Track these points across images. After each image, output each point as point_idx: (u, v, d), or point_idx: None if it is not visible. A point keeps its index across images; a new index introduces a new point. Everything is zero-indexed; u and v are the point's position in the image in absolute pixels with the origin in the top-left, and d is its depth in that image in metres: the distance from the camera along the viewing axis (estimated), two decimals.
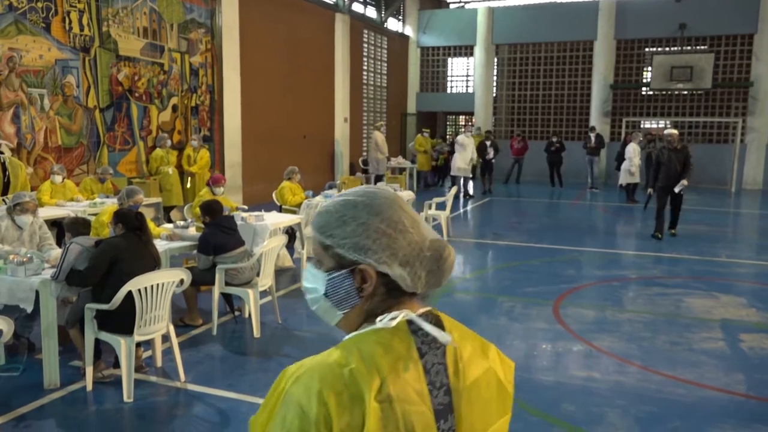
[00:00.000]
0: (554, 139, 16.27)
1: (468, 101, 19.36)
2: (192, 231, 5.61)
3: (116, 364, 4.20)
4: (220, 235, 4.95)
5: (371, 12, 17.58)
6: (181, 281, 4.04)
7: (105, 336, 3.87)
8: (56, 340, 3.96)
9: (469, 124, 20.71)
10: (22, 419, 3.51)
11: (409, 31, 19.65)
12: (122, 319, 3.79)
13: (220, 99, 11.47)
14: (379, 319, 1.00)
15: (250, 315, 5.35)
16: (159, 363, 4.33)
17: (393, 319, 0.99)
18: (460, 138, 13.63)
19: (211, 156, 10.86)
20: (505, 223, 11.55)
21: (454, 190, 10.08)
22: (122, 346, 3.79)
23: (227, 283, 4.98)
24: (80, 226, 4.22)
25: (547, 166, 16.52)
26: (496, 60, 19.17)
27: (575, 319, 5.52)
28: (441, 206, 9.35)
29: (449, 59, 20.51)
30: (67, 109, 8.44)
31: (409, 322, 1.01)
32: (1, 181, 5.18)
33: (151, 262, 4.05)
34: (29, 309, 3.93)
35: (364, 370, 0.93)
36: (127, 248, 3.95)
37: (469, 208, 12.84)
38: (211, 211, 5.03)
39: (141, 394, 3.90)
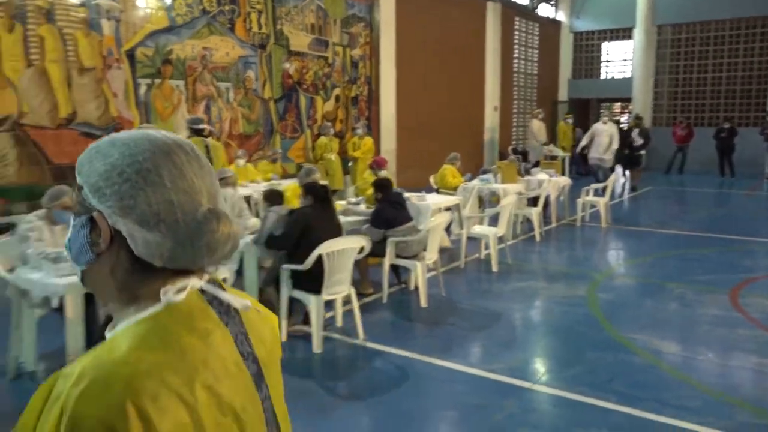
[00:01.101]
0: (726, 125, 14.97)
1: (624, 87, 18.38)
2: (362, 207, 6.04)
3: (304, 322, 4.70)
4: (391, 210, 5.31)
5: None
6: (362, 248, 4.41)
7: (298, 294, 4.36)
8: (257, 295, 4.53)
9: (626, 111, 19.67)
10: None
11: (561, 16, 19.07)
12: (313, 280, 4.24)
13: (377, 89, 12.02)
14: (163, 291, 0.81)
15: (415, 287, 5.69)
16: (339, 323, 4.77)
17: (181, 291, 0.82)
18: (596, 125, 12.82)
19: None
20: (668, 212, 10.91)
21: (613, 177, 9.73)
22: (313, 302, 4.25)
23: (397, 255, 5.32)
24: (276, 196, 4.77)
25: (716, 154, 15.25)
26: (657, 42, 17.99)
27: (757, 309, 5.18)
28: (600, 193, 9.09)
29: (604, 43, 19.59)
30: (248, 100, 9.37)
31: (202, 292, 0.85)
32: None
33: (336, 229, 4.48)
34: (234, 267, 4.52)
35: (176, 359, 0.77)
36: (316, 217, 4.41)
37: (628, 197, 12.28)
38: (384, 187, 5.40)
39: (327, 348, 4.34)
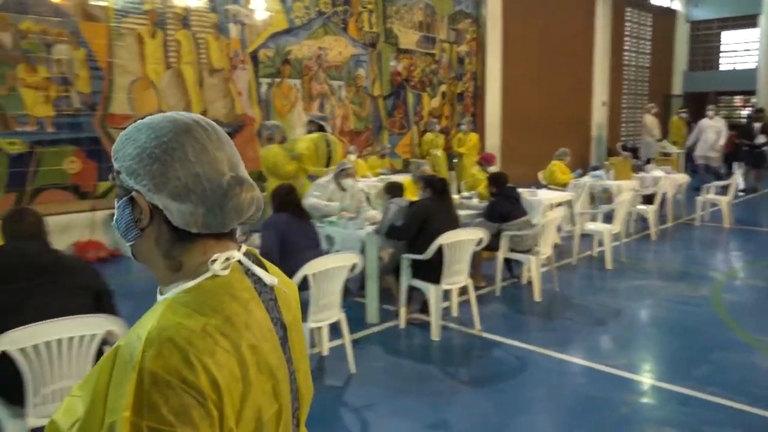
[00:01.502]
0: None
1: (747, 79, 17.15)
2: (475, 201, 6.13)
3: (421, 311, 4.87)
4: (506, 204, 5.36)
5: None
6: (480, 240, 4.51)
7: (417, 283, 4.53)
8: (377, 283, 4.75)
9: (748, 105, 18.36)
10: (355, 343, 4.30)
11: (677, 5, 18.08)
12: (432, 269, 4.39)
13: (483, 85, 12.00)
14: (210, 261, 0.92)
15: (527, 282, 5.71)
16: (455, 312, 4.90)
17: (226, 265, 0.93)
18: (702, 121, 11.91)
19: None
20: None
21: (736, 176, 9.19)
22: (432, 291, 4.40)
23: (510, 249, 5.37)
24: (396, 189, 4.97)
25: None
26: None
27: None
28: (721, 191, 8.62)
29: (724, 32, 18.38)
30: (358, 98, 9.70)
31: (239, 263, 0.97)
32: (325, 155, 6.26)
33: (454, 221, 4.61)
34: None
35: (223, 323, 0.88)
36: (435, 209, 4.55)
37: (747, 197, 11.51)
38: (499, 182, 5.46)
39: (444, 336, 4.48)
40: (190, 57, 7.56)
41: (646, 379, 3.78)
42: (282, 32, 8.48)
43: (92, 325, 2.45)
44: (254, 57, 8.24)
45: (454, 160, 10.52)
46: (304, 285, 3.51)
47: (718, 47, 18.57)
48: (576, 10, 14.27)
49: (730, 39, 18.57)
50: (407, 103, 10.57)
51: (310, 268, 3.46)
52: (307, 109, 8.91)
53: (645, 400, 3.52)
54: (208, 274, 0.91)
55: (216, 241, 0.95)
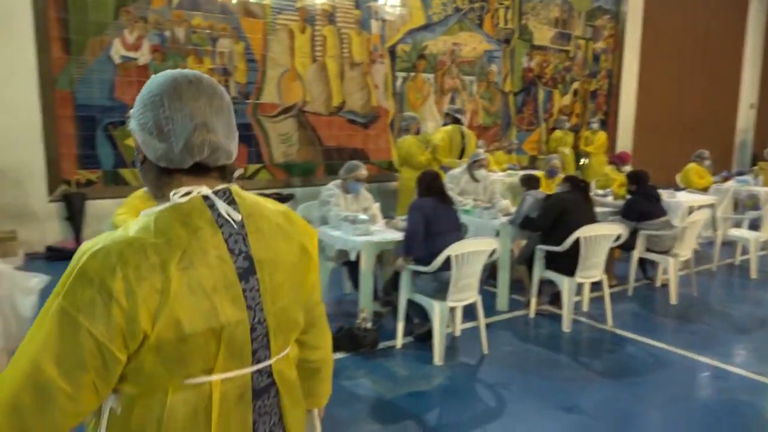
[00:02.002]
0: None
1: None
2: (609, 199, 6.05)
3: (550, 303, 4.93)
4: (645, 203, 5.26)
5: None
6: (618, 236, 4.50)
7: (550, 274, 4.60)
8: (509, 273, 4.87)
9: None
10: (486, 327, 4.45)
11: None
12: (567, 262, 4.44)
13: (618, 84, 11.61)
14: (172, 193, 1.09)
15: (662, 284, 5.56)
16: (585, 307, 4.91)
17: (186, 194, 1.09)
18: None
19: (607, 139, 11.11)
20: None
21: None
22: (565, 284, 4.46)
23: (647, 249, 5.27)
24: (533, 181, 5.05)
25: None
26: None
27: None
28: None
29: None
30: (489, 93, 9.78)
31: (206, 198, 1.11)
32: (459, 147, 6.45)
33: (592, 216, 4.62)
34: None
35: (163, 243, 1.03)
36: (573, 202, 4.59)
37: None
38: (640, 180, 5.37)
39: (575, 329, 4.52)
40: (333, 51, 8.04)
41: None
42: (419, 28, 8.76)
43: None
44: (392, 51, 8.58)
45: (583, 160, 10.28)
46: (445, 266, 3.73)
47: None
48: (725, 8, 13.34)
49: None
50: (537, 100, 10.49)
51: (453, 250, 3.67)
52: (438, 103, 9.14)
53: None
54: (168, 203, 1.09)
55: (191, 178, 1.12)
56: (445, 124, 6.70)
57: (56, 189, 6.42)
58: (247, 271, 1.12)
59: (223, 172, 1.16)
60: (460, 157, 6.48)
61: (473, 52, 9.43)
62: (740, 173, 8.59)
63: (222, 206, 1.11)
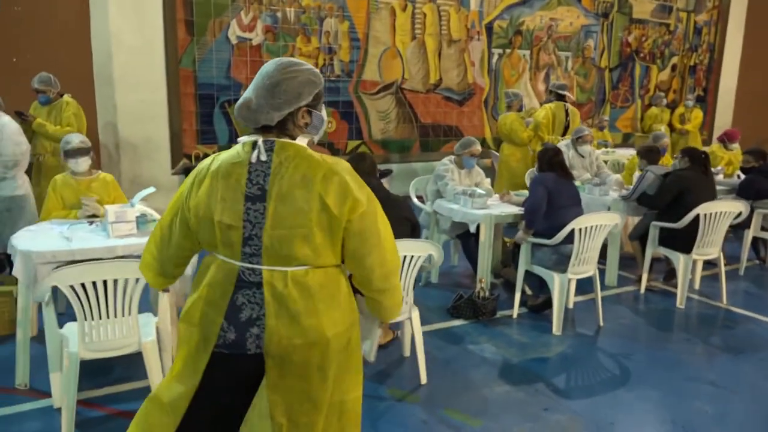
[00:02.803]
0: None
1: None
2: (720, 177, 5.94)
3: (664, 280, 4.96)
4: (763, 180, 5.16)
5: None
6: (739, 214, 4.47)
7: (663, 250, 4.63)
8: (618, 249, 4.92)
9: None
10: (577, 304, 4.52)
11: None
12: (684, 239, 4.46)
13: (720, 59, 11.13)
14: (238, 139, 1.69)
15: None
16: (697, 285, 4.91)
17: (245, 140, 1.67)
18: None
19: (703, 116, 10.72)
20: None
21: None
22: (681, 261, 4.48)
23: (763, 228, 5.18)
24: (653, 154, 5.01)
25: None
26: None
27: None
28: None
29: None
30: (584, 69, 9.64)
31: (255, 143, 1.64)
32: (563, 124, 6.48)
33: (712, 193, 4.59)
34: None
35: (215, 165, 1.67)
36: (693, 179, 4.57)
37: None
38: (761, 156, 5.26)
39: (688, 305, 4.55)
40: (432, 29, 8.16)
41: None
42: (517, 3, 8.72)
43: (422, 249, 3.04)
44: (489, 28, 8.60)
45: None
46: (567, 239, 3.86)
47: None
48: None
49: None
50: (634, 76, 10.23)
51: (578, 223, 3.79)
52: (533, 80, 9.10)
53: None
54: (237, 145, 1.70)
55: (255, 132, 1.68)
56: (548, 101, 6.73)
57: (178, 162, 6.92)
58: (256, 197, 1.60)
59: (282, 129, 1.66)
60: (564, 134, 6.51)
61: (570, 27, 9.29)
62: None
63: (258, 149, 1.62)
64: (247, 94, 1.64)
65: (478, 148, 4.80)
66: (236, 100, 6.92)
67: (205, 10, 6.67)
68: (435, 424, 2.87)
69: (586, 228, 3.82)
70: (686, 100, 10.31)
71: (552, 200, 4.00)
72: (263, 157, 1.60)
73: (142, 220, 3.39)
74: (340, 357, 1.72)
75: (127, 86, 6.45)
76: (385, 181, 6.42)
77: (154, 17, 6.43)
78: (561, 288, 3.93)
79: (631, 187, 4.90)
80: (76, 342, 2.62)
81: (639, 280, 4.87)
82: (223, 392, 1.72)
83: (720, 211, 4.36)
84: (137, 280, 2.54)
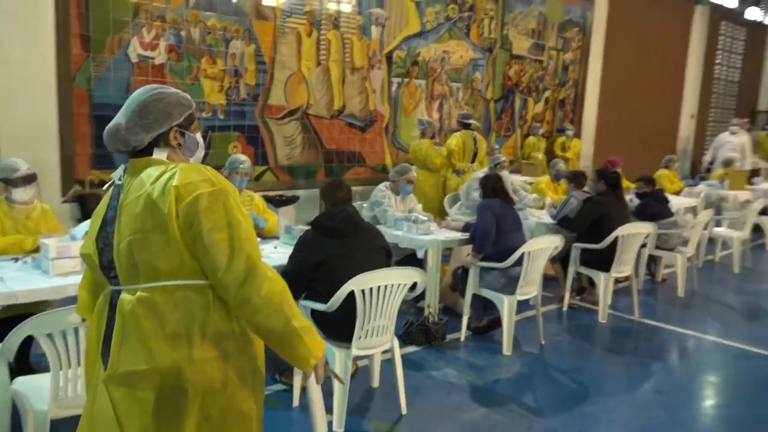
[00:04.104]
0: None
1: None
2: None
3: (578, 294, 5.35)
4: (656, 204, 5.77)
5: (732, 2, 16.57)
6: (648, 235, 4.95)
7: (585, 270, 5.00)
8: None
9: None
10: (526, 320, 4.77)
11: None
12: (602, 259, 4.85)
13: (582, 93, 12.35)
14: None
15: (662, 279, 6.12)
16: (609, 301, 5.35)
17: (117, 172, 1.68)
18: (720, 136, 11.18)
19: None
20: None
21: None
22: (601, 278, 4.87)
23: (657, 247, 5.78)
24: (580, 178, 5.38)
25: None
26: None
27: None
28: None
29: None
30: (473, 100, 10.20)
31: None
32: (472, 152, 6.80)
33: (626, 216, 5.06)
34: None
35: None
36: (609, 205, 5.00)
37: None
38: (651, 182, 5.88)
39: (608, 320, 4.94)
40: (336, 55, 8.20)
41: None
42: (414, 35, 9.05)
43: (408, 276, 3.02)
44: (389, 57, 8.83)
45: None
46: (517, 261, 4.05)
47: None
48: (674, 22, 14.43)
49: None
50: (514, 107, 11.02)
51: (528, 247, 3.99)
52: (429, 109, 9.46)
53: None
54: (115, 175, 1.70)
55: (129, 157, 1.66)
56: (455, 130, 7.03)
57: (70, 189, 6.27)
58: (111, 219, 1.60)
59: (140, 154, 1.63)
60: (473, 161, 6.83)
61: (460, 60, 9.81)
62: (702, 178, 9.40)
63: (116, 175, 1.65)
64: (116, 119, 1.65)
65: (414, 174, 4.89)
66: None
67: (103, 26, 6.16)
68: None
69: (534, 251, 4.02)
70: (567, 130, 11.30)
71: (499, 225, 4.18)
72: (119, 181, 1.62)
73: None
74: (208, 399, 1.50)
75: (12, 103, 5.76)
76: (290, 208, 6.33)
77: (44, 30, 5.82)
78: (510, 309, 4.10)
79: (556, 208, 5.25)
80: (43, 398, 2.26)
81: (561, 299, 5.21)
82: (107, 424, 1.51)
83: (635, 233, 4.81)
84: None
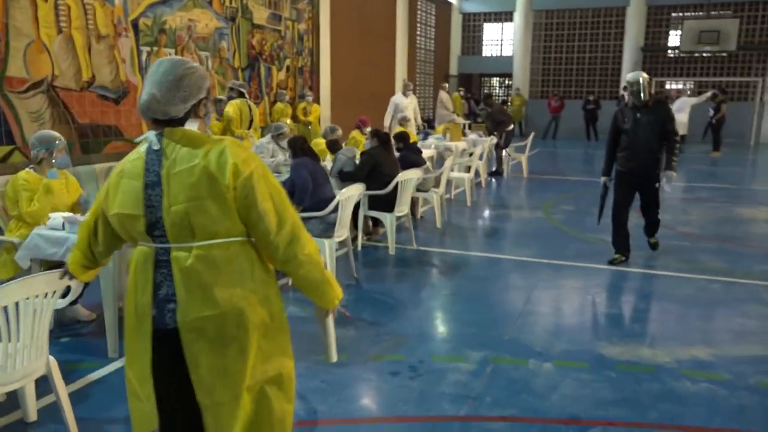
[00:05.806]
0: (590, 98, 18.10)
1: (505, 64, 21.08)
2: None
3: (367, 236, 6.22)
4: (413, 155, 6.90)
5: None
6: (419, 179, 6.01)
7: (373, 213, 5.85)
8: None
9: (504, 85, 22.45)
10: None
11: None
12: (386, 202, 5.75)
13: (317, 61, 13.30)
14: (136, 140, 1.80)
15: (421, 217, 7.37)
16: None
17: (145, 135, 1.75)
18: (394, 97, 11.85)
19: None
20: (563, 166, 13.49)
21: (531, 135, 11.99)
22: (388, 219, 5.78)
23: (418, 189, 6.94)
24: (336, 144, 6.11)
25: (584, 123, 18.38)
26: (533, 25, 20.82)
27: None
28: (521, 149, 11.29)
29: (487, 24, 22.15)
30: (222, 68, 10.31)
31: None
32: (248, 119, 7.10)
33: (396, 166, 6.01)
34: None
35: (120, 167, 1.79)
36: (381, 155, 5.90)
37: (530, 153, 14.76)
38: (404, 139, 6.98)
39: (396, 251, 5.91)
40: (78, 22, 7.58)
41: (538, 259, 5.71)
42: (159, 2, 8.77)
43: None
44: (135, 25, 8.44)
45: (306, 128, 11.68)
46: (336, 209, 4.67)
47: (482, 36, 22.30)
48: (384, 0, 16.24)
49: (492, 30, 22.41)
50: (260, 75, 11.42)
51: (341, 196, 4.62)
52: None
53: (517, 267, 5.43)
54: (141, 137, 1.78)
55: (152, 125, 1.76)
56: (230, 98, 7.23)
57: None
58: (155, 183, 1.71)
59: (173, 123, 1.75)
60: (249, 128, 7.16)
61: (206, 28, 9.81)
62: (426, 134, 11.16)
63: (141, 138, 1.76)
64: (148, 91, 1.71)
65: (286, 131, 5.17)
66: None
67: None
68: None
69: (346, 199, 4.68)
70: (306, 95, 12.09)
71: (312, 180, 4.72)
72: (155, 147, 1.71)
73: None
74: (261, 332, 1.79)
75: None
76: None
77: None
78: (331, 251, 4.71)
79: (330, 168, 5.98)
80: None
81: (354, 239, 6.01)
82: (169, 371, 1.77)
83: (412, 178, 5.81)
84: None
